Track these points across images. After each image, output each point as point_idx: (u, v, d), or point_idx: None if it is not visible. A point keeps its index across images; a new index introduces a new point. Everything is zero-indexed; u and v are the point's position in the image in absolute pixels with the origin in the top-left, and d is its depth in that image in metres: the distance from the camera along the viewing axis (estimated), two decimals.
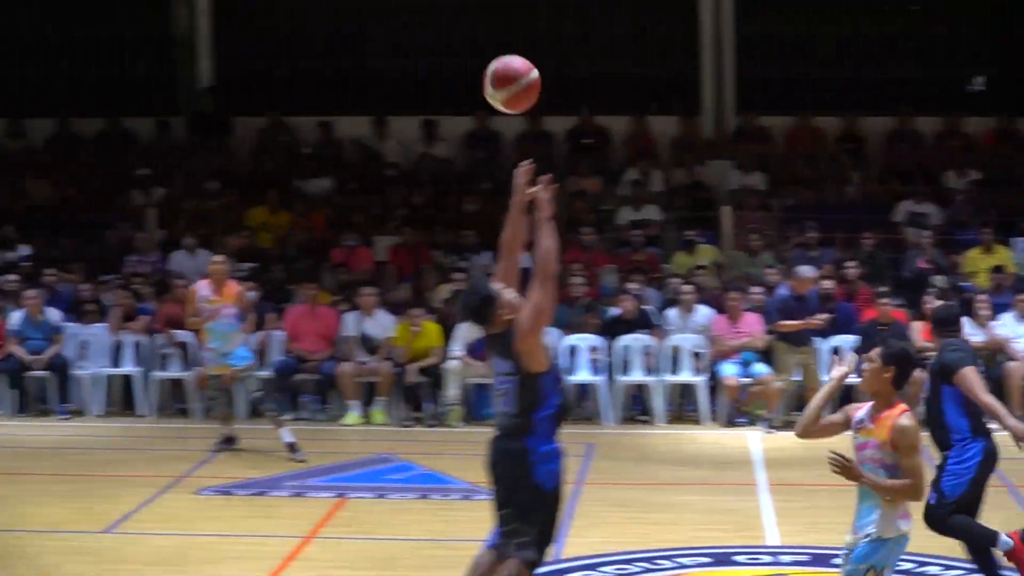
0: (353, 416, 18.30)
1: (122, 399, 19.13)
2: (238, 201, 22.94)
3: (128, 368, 19.01)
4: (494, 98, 9.10)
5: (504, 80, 9.06)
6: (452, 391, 18.24)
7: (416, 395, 18.44)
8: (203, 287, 16.05)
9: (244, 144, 24.58)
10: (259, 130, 24.53)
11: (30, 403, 18.97)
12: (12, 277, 19.98)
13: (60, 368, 18.72)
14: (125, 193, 23.26)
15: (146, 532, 12.74)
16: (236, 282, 16.56)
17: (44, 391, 18.97)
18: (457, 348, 18.32)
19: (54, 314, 19.12)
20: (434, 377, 18.41)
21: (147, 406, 18.80)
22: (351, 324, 18.84)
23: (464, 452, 16.18)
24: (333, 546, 12.35)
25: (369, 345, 18.70)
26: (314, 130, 24.41)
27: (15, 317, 18.98)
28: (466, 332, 18.22)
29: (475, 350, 18.09)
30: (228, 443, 16.27)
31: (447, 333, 18.51)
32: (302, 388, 18.83)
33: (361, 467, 15.61)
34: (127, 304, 19.26)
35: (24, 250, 21.39)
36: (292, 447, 15.81)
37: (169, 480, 14.74)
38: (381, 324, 18.77)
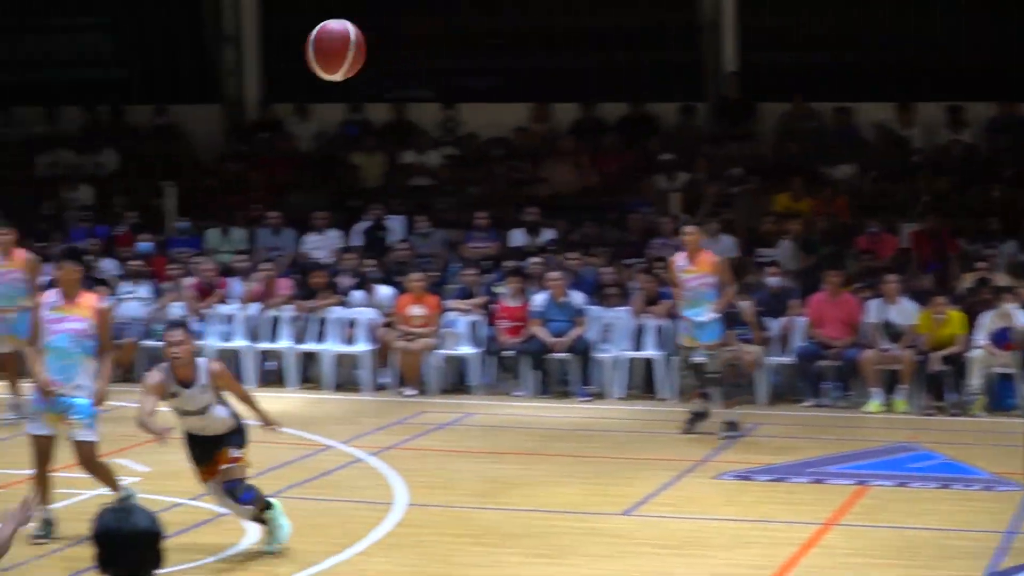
0: (875, 404, 18.01)
1: (643, 382, 19.37)
2: (762, 187, 22.91)
3: (650, 351, 19.24)
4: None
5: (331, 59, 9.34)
6: (975, 380, 17.74)
7: (939, 383, 18.02)
8: (680, 258, 16.32)
9: (768, 130, 24.53)
10: (782, 115, 24.41)
11: (552, 384, 19.42)
12: (536, 260, 20.53)
13: (582, 350, 19.10)
14: (648, 178, 23.57)
15: (664, 515, 12.86)
16: (711, 253, 16.72)
17: (566, 373, 19.40)
18: (981, 337, 17.81)
19: (577, 297, 19.51)
20: (957, 366, 17.95)
21: (668, 389, 18.97)
22: (874, 311, 18.53)
23: (987, 442, 15.73)
24: (852, 534, 12.18)
25: (892, 332, 18.37)
26: (834, 115, 24.12)
27: (539, 299, 19.48)
28: (990, 321, 17.74)
29: (999, 339, 17.54)
30: (732, 428, 16.28)
31: (971, 322, 18.03)
32: (824, 374, 18.65)
33: (882, 455, 15.35)
34: (650, 288, 19.47)
35: (548, 234, 21.95)
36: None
37: (689, 464, 14.84)
38: (904, 311, 18.40)
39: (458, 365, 19.89)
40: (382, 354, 19.74)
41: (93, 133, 25.34)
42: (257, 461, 11.91)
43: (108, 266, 21.24)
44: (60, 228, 22.67)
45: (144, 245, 21.95)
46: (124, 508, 5.02)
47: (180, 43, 26.45)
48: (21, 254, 16.62)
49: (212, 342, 19.62)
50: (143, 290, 20.32)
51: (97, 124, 25.57)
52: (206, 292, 20.33)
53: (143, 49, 26.80)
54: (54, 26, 27.18)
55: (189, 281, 20.47)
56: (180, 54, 26.41)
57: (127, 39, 27.11)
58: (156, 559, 4.99)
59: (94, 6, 26.98)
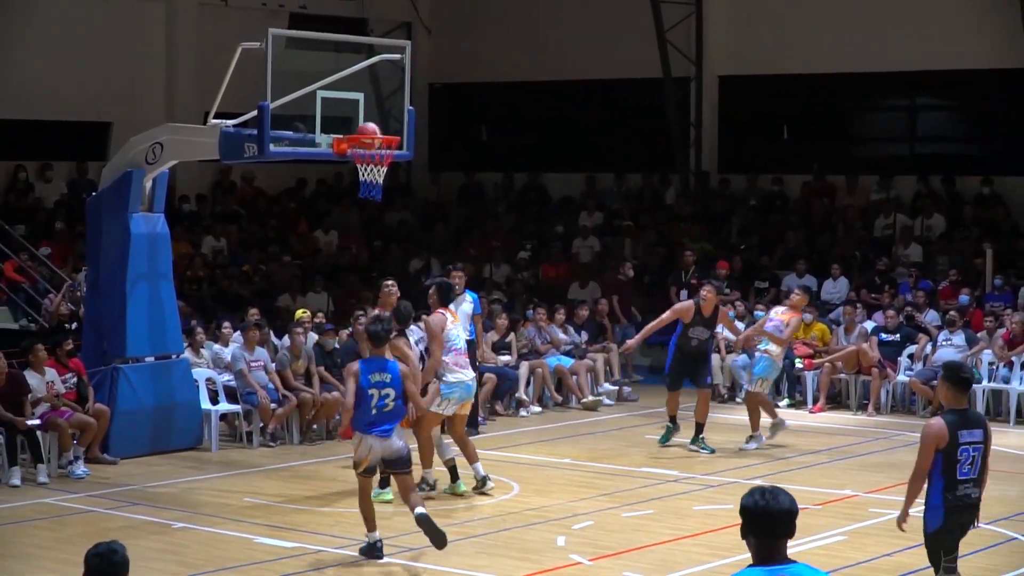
0: None
1: None
2: None
3: None
4: None
5: None
6: None
7: None
8: None
9: None
10: None
11: None
12: None
13: None
14: None
15: None
16: None
17: None
18: None
19: None
20: None
21: None
22: None
23: None
24: None
25: None
26: None
27: None
28: None
29: None
30: None
31: None
32: None
33: None
34: None
35: None
36: None
37: None
38: None
39: None
40: None
41: (925, 199, 26.75)
42: None
43: (930, 316, 22.68)
44: (891, 282, 24.24)
45: (963, 298, 23.15)
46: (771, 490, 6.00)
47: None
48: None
49: (1016, 386, 20.69)
50: (958, 338, 21.50)
51: (929, 192, 26.94)
52: (1015, 343, 21.21)
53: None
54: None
55: (1000, 332, 21.45)
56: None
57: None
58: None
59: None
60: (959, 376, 9.89)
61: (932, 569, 9.92)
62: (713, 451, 17.89)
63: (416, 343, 14.90)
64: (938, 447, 9.62)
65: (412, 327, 15.06)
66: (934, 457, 9.62)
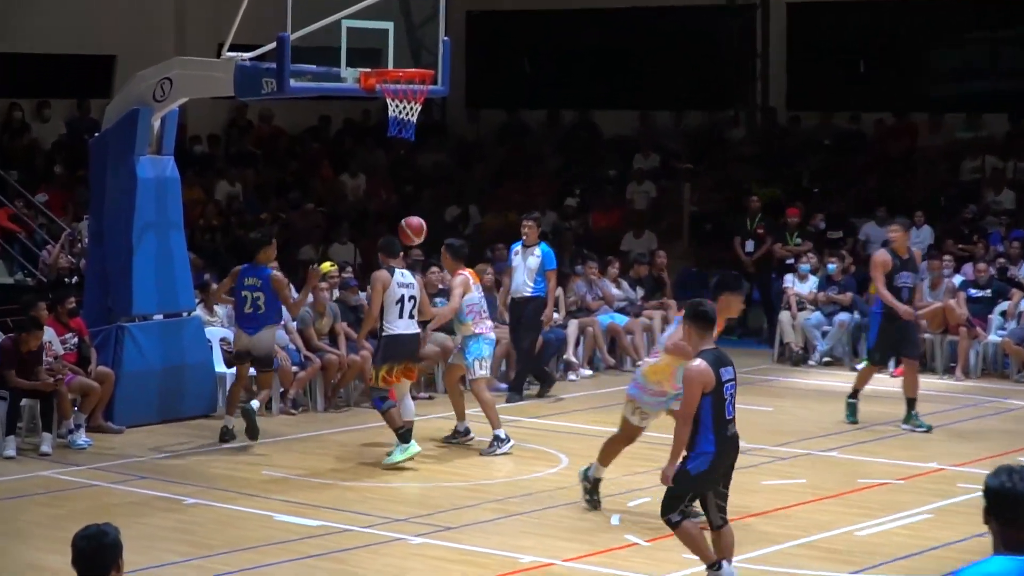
0: None
1: None
2: None
3: None
4: None
5: None
6: None
7: None
8: None
9: None
10: None
11: None
12: None
13: None
14: None
15: None
16: None
17: None
18: None
19: None
20: None
21: None
22: None
23: None
24: None
25: None
26: None
27: None
28: None
29: None
30: None
31: None
32: None
33: None
34: None
35: None
36: None
37: None
38: None
39: None
40: None
41: (1018, 139, 26.46)
42: None
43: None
44: (980, 231, 23.99)
45: None
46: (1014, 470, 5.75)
47: None
48: None
49: None
50: None
51: (1020, 132, 26.63)
52: None
53: None
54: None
55: None
56: None
57: None
58: None
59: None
60: (699, 311, 10.24)
61: (663, 509, 10.38)
62: (930, 428, 17.20)
63: (400, 286, 15.05)
64: (705, 390, 9.99)
65: (404, 270, 15.33)
66: (701, 401, 9.99)
